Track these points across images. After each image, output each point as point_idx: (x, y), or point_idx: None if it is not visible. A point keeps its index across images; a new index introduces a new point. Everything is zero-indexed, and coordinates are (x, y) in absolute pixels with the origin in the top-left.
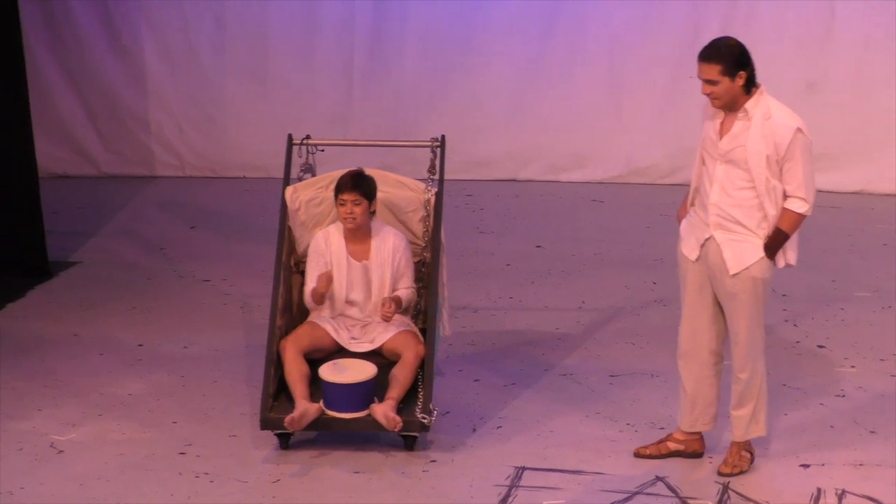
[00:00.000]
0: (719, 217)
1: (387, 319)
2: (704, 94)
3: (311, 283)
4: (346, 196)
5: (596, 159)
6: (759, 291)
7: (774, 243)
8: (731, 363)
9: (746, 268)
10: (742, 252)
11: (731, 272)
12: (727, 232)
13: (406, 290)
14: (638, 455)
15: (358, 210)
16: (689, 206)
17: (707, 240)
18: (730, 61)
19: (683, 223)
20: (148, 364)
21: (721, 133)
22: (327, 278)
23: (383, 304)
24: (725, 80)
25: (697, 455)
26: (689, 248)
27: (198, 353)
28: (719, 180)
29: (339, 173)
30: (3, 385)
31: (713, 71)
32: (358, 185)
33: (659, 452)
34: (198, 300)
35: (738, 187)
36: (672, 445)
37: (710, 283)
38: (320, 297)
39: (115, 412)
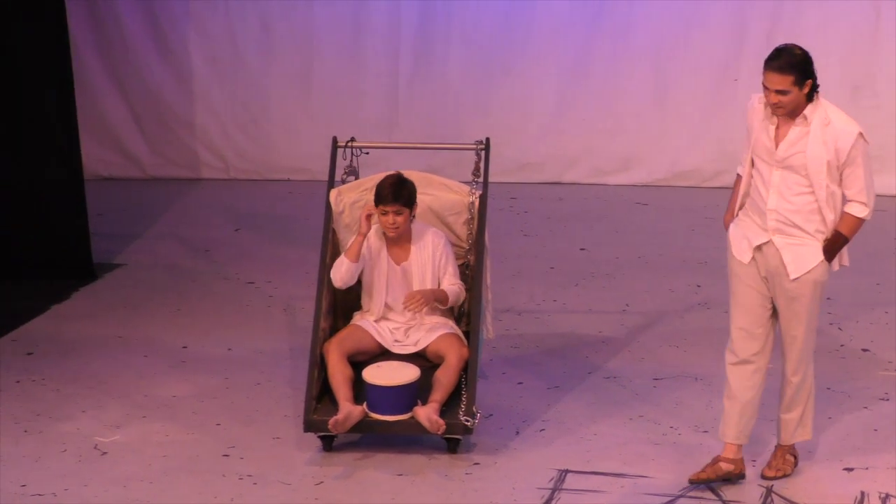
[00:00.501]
0: (778, 222)
1: (412, 310)
2: (772, 103)
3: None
4: (387, 207)
5: (640, 162)
6: (818, 295)
7: (834, 247)
8: (782, 367)
9: (808, 272)
10: (802, 256)
11: (792, 276)
12: (786, 236)
13: (451, 287)
14: (694, 481)
15: (400, 219)
16: (736, 210)
17: (764, 244)
18: (801, 71)
19: (732, 227)
20: (192, 366)
21: (777, 139)
22: (367, 219)
23: (408, 297)
24: (795, 90)
25: (743, 477)
26: (741, 251)
27: (241, 356)
28: (776, 186)
29: (383, 176)
30: (47, 387)
31: (786, 82)
32: (398, 195)
33: (715, 475)
34: (242, 302)
35: (796, 192)
36: (725, 466)
37: (764, 287)
38: (357, 250)
39: (158, 414)
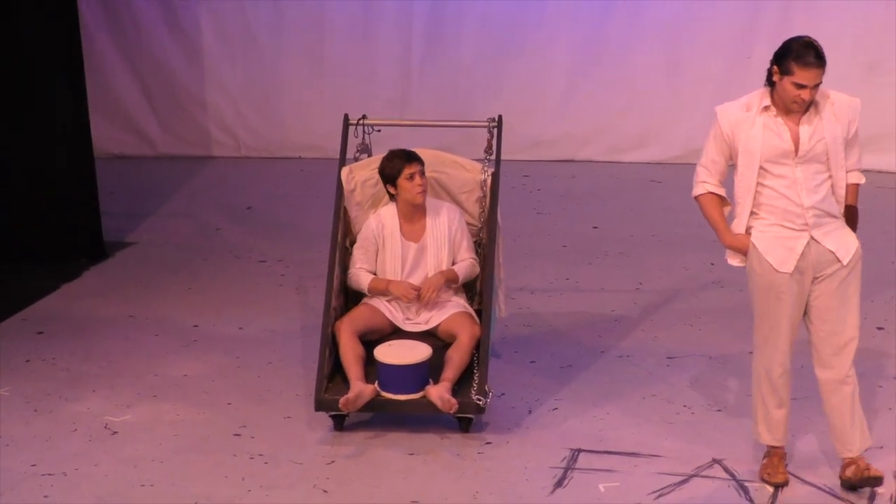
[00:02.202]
0: (816, 217)
1: (427, 300)
2: (804, 100)
3: (360, 266)
4: (413, 168)
5: (654, 140)
6: (861, 274)
7: (855, 221)
8: (822, 373)
9: (854, 252)
10: (843, 239)
11: (845, 261)
12: (821, 227)
13: (464, 263)
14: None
15: (425, 181)
16: (746, 223)
17: (806, 245)
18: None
19: (758, 241)
20: (203, 345)
21: (794, 138)
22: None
23: (424, 290)
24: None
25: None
26: (781, 262)
27: (253, 335)
28: (803, 182)
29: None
30: (58, 366)
31: (822, 74)
32: (415, 155)
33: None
34: (253, 281)
35: (819, 182)
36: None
37: (804, 293)
38: (381, 291)
39: (169, 393)
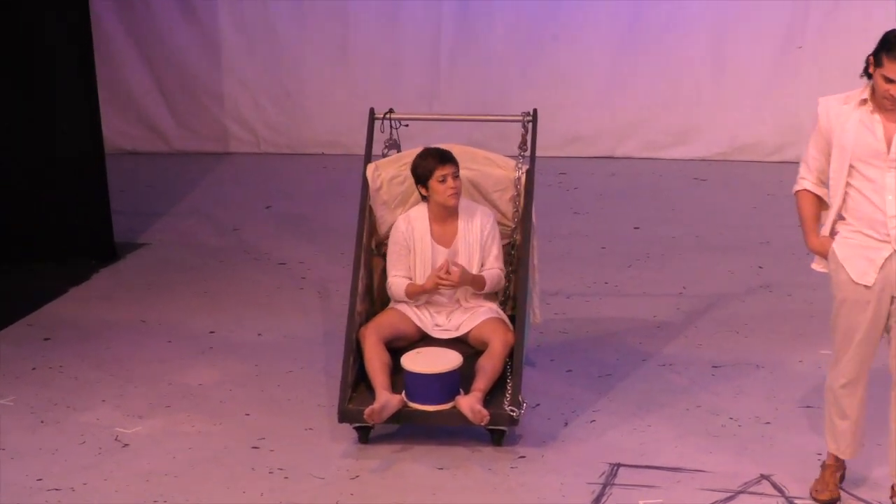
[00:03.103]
0: None
1: (443, 281)
2: (893, 95)
3: (395, 274)
4: (446, 170)
5: (698, 135)
6: None
7: None
8: None
9: None
10: None
11: None
12: None
13: (493, 271)
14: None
15: (458, 183)
16: (831, 227)
17: (887, 258)
18: None
19: (839, 249)
20: (219, 352)
21: (887, 138)
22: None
23: (443, 268)
24: None
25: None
26: (862, 274)
27: (272, 341)
28: (892, 189)
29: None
30: (66, 374)
31: None
32: (449, 156)
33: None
34: (273, 284)
35: None
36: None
37: (885, 307)
38: (418, 294)
39: (183, 403)
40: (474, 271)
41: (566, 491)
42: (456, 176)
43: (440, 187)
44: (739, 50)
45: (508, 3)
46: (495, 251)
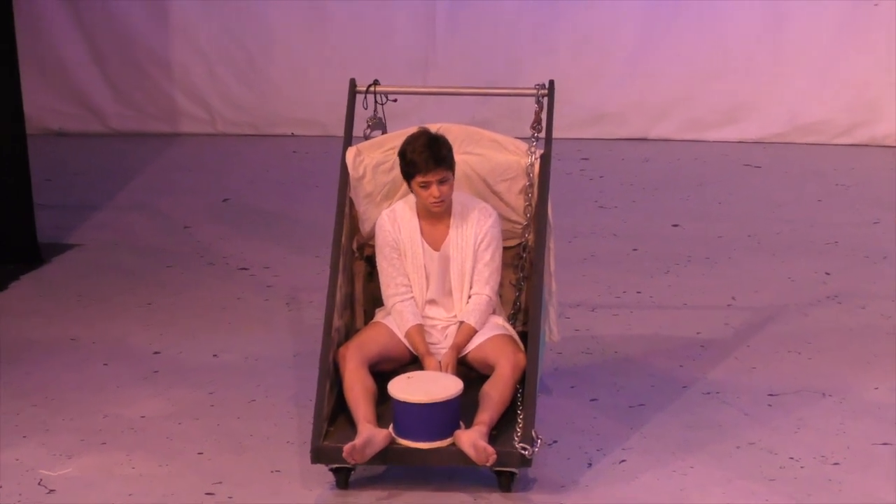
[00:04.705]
0: None
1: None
2: None
3: (395, 289)
4: (429, 176)
5: (750, 113)
6: None
7: None
8: None
9: None
10: None
11: None
12: None
13: (477, 306)
14: None
15: (445, 189)
16: None
17: None
18: None
19: None
20: (166, 377)
21: None
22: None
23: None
24: None
25: None
26: None
27: (231, 364)
28: None
29: (411, 132)
30: None
31: None
32: (440, 157)
33: None
34: (232, 294)
35: None
36: None
37: None
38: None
39: (123, 439)
40: (466, 279)
41: None
42: (443, 182)
43: (422, 193)
44: (801, 9)
45: None
46: (486, 268)
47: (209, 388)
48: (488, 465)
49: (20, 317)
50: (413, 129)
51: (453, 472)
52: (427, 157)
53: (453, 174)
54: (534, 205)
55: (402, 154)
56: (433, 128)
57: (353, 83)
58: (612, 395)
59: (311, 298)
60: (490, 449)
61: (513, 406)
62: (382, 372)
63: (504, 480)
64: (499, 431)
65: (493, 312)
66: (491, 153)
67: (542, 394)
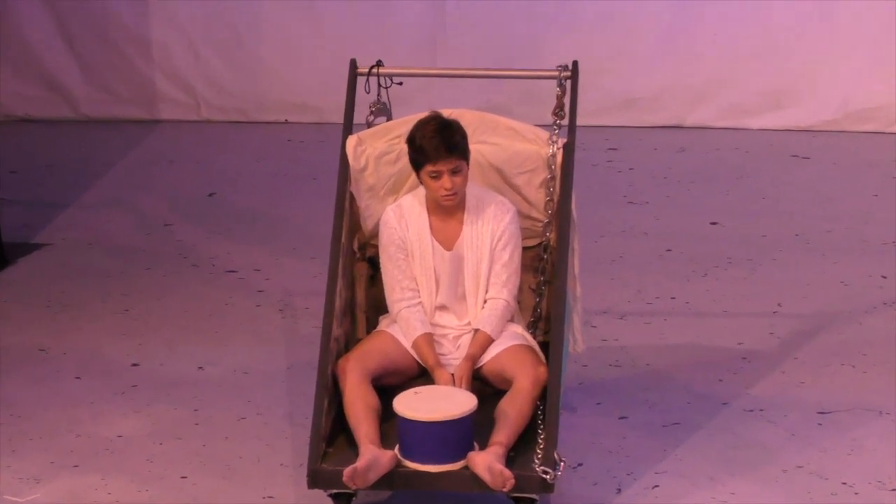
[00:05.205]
0: None
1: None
2: None
3: (400, 292)
4: (441, 166)
5: (798, 97)
6: None
7: None
8: None
9: None
10: None
11: None
12: None
13: (494, 310)
14: None
15: (459, 180)
16: None
17: None
18: None
19: None
20: (146, 392)
21: None
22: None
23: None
24: None
25: None
26: None
27: (218, 377)
28: None
29: (418, 118)
30: None
31: None
32: (453, 145)
33: None
34: (219, 300)
35: None
36: None
37: None
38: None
39: (97, 462)
40: (482, 286)
41: None
42: (456, 172)
43: (432, 184)
44: None
45: None
46: (504, 269)
47: (193, 405)
48: (505, 490)
49: None
50: (422, 115)
51: (466, 499)
52: (438, 144)
53: (468, 164)
54: (556, 200)
55: (411, 140)
56: (444, 113)
57: (353, 64)
58: (643, 413)
59: (306, 304)
60: (507, 473)
61: (533, 425)
62: (387, 386)
63: None
64: (517, 453)
65: (511, 320)
66: (508, 142)
67: (566, 411)
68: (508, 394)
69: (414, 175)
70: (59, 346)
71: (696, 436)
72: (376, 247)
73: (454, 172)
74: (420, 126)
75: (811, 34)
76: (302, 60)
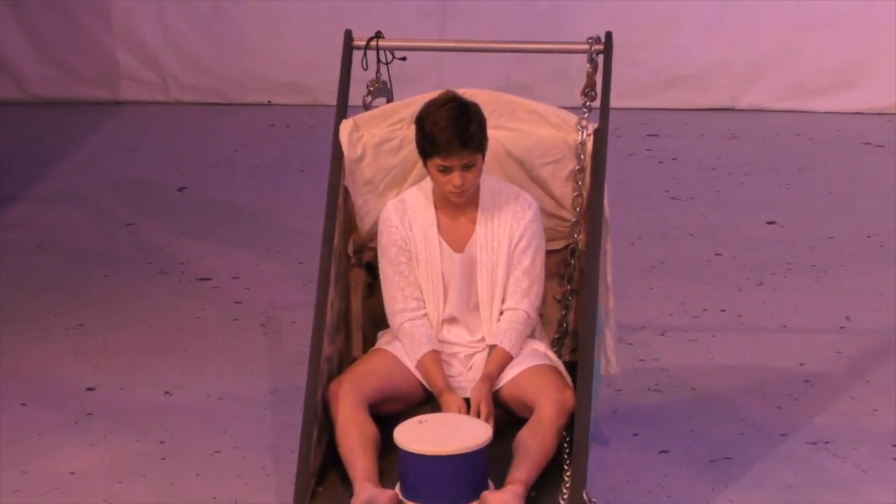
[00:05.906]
0: None
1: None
2: None
3: (403, 302)
4: (452, 161)
5: (870, 76)
6: None
7: None
8: None
9: None
10: None
11: None
12: None
13: (514, 322)
14: None
15: (470, 176)
16: None
17: None
18: None
19: None
20: (103, 421)
21: None
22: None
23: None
24: None
25: None
26: None
27: (189, 404)
28: None
29: (425, 99)
30: None
31: None
32: (469, 137)
33: None
34: (190, 312)
35: None
36: None
37: None
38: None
39: (48, 501)
40: (498, 295)
41: None
42: (469, 167)
43: (439, 178)
44: None
45: None
46: (525, 264)
47: (159, 436)
48: None
49: None
50: (430, 95)
51: None
52: (451, 136)
53: (483, 157)
54: (585, 196)
55: (420, 123)
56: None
57: (348, 35)
58: (688, 446)
59: (292, 318)
60: None
61: (557, 460)
62: (387, 414)
63: None
64: (539, 493)
65: (532, 336)
66: (529, 128)
67: (596, 444)
68: (529, 423)
69: (419, 166)
70: (1, 368)
71: (749, 473)
72: (374, 250)
73: (466, 168)
74: (432, 108)
75: (886, 2)
76: (288, 32)
